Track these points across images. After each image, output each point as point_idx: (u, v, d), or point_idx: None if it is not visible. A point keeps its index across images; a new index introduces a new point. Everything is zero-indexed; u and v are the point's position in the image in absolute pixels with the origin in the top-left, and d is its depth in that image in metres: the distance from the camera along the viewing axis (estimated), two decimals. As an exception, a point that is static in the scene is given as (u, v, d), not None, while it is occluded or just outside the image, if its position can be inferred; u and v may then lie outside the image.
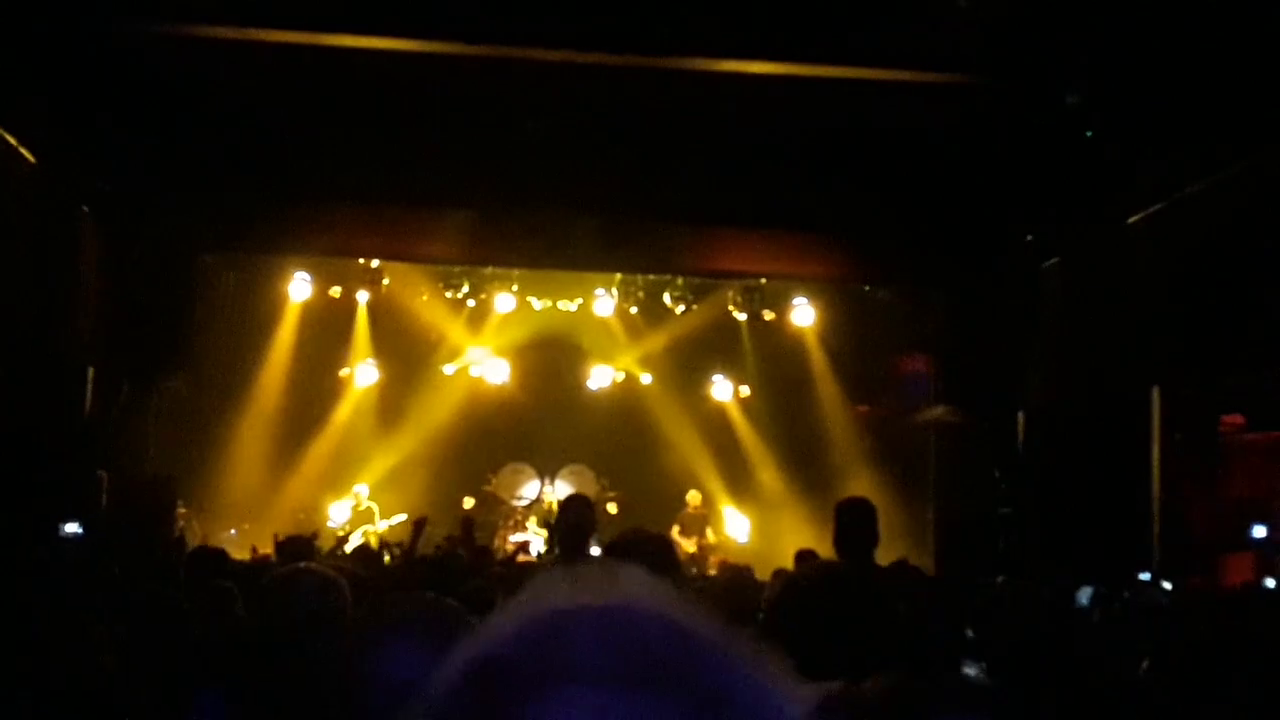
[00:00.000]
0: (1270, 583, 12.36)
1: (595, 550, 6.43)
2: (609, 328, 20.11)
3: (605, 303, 19.20)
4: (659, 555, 3.89)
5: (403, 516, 18.21)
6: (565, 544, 6.19)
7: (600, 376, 20.50)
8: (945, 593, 7.20)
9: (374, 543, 16.56)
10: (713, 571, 15.62)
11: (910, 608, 4.58)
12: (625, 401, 20.42)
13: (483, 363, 20.14)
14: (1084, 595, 8.36)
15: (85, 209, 13.46)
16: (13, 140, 11.78)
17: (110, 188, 13.46)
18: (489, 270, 18.48)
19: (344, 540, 15.51)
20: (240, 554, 11.96)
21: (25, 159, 12.03)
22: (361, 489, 18.27)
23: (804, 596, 3.14)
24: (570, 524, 6.13)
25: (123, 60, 11.76)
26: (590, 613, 1.09)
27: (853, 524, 6.02)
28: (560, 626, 1.08)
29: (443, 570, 6.90)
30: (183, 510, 15.62)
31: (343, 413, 19.65)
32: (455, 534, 13.42)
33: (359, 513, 17.98)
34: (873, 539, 6.05)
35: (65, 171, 12.67)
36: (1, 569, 7.44)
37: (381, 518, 17.94)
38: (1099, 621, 7.57)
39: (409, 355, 19.81)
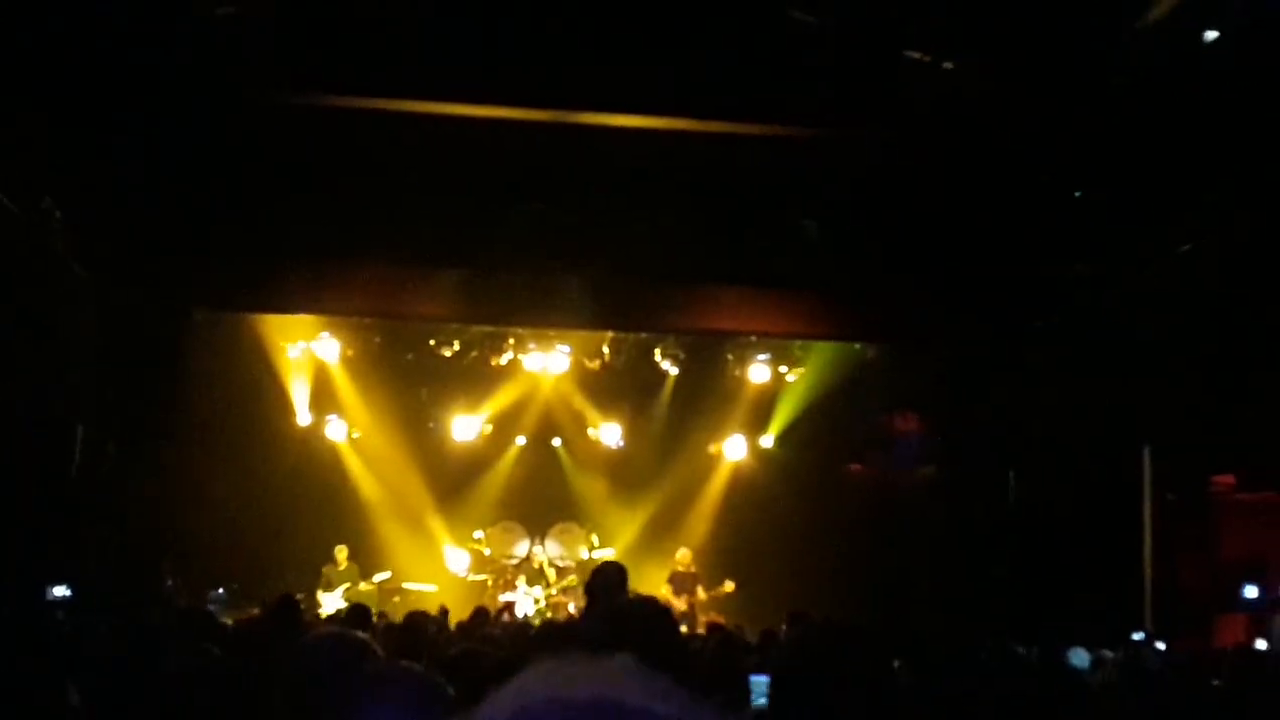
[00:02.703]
0: (1262, 644, 12.33)
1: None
2: (600, 385, 20.08)
3: (596, 360, 19.18)
4: (659, 626, 3.85)
5: (386, 575, 18.13)
6: (595, 607, 6.20)
7: (592, 434, 20.47)
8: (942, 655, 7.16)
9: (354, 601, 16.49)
10: (702, 630, 15.54)
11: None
12: (616, 459, 20.37)
13: (472, 420, 20.09)
14: (1077, 657, 8.32)
15: (78, 266, 13.45)
16: (6, 198, 11.78)
17: (102, 245, 13.45)
18: (481, 328, 18.47)
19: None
20: (228, 616, 11.87)
21: (19, 215, 12.02)
22: (342, 548, 18.16)
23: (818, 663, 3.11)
24: (603, 589, 6.16)
25: (119, 119, 11.80)
26: (580, 706, 1.08)
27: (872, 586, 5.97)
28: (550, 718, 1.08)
29: (416, 635, 6.83)
30: (169, 570, 15.51)
31: (332, 471, 19.57)
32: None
33: (340, 572, 17.87)
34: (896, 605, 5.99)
35: (58, 229, 12.66)
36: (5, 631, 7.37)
37: (361, 578, 17.84)
38: (1097, 683, 7.54)
39: (398, 413, 19.75)
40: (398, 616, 13.09)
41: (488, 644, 7.95)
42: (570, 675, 1.13)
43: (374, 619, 11.06)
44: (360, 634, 3.99)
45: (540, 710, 1.09)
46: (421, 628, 6.82)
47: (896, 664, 4.64)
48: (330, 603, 17.30)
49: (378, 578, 18.02)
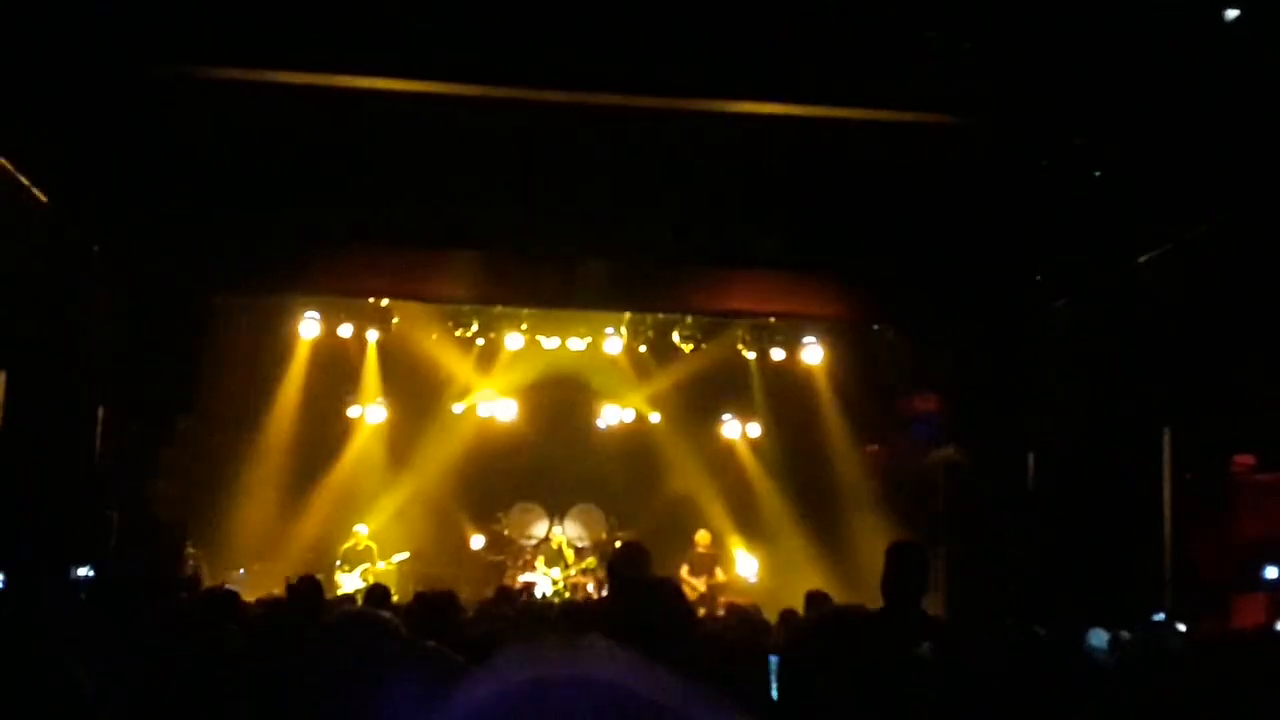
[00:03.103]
0: (1282, 625, 12.31)
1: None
2: (618, 367, 20.12)
3: (614, 342, 19.22)
4: (676, 607, 3.88)
5: (405, 555, 18.21)
6: (617, 587, 6.24)
7: (609, 416, 20.52)
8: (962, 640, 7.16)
9: (371, 581, 16.58)
10: (722, 612, 15.58)
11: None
12: (634, 441, 20.43)
13: (491, 402, 20.15)
14: (1096, 638, 8.32)
15: (97, 248, 13.51)
16: (26, 181, 11.84)
17: (123, 228, 13.52)
18: (498, 309, 18.51)
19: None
20: (250, 594, 11.96)
21: (38, 199, 12.09)
22: (361, 528, 18.25)
23: (826, 647, 3.14)
24: (625, 569, 6.19)
25: (136, 102, 11.83)
26: (554, 683, 1.13)
27: (902, 570, 5.98)
28: (518, 700, 1.13)
29: (443, 614, 6.87)
30: (192, 551, 15.62)
31: (352, 452, 19.66)
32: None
33: (358, 552, 17.96)
34: (921, 586, 6.01)
35: (78, 212, 12.73)
36: (14, 611, 7.43)
37: (380, 557, 17.93)
38: (1115, 666, 7.54)
39: (418, 394, 19.82)
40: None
41: (500, 623, 7.99)
42: (544, 656, 1.18)
43: (394, 598, 11.13)
44: (384, 613, 4.02)
45: (516, 689, 1.14)
46: (444, 608, 6.85)
47: (925, 645, 4.66)
48: (349, 583, 17.41)
49: (396, 558, 18.11)
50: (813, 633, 3.24)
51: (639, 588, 4.24)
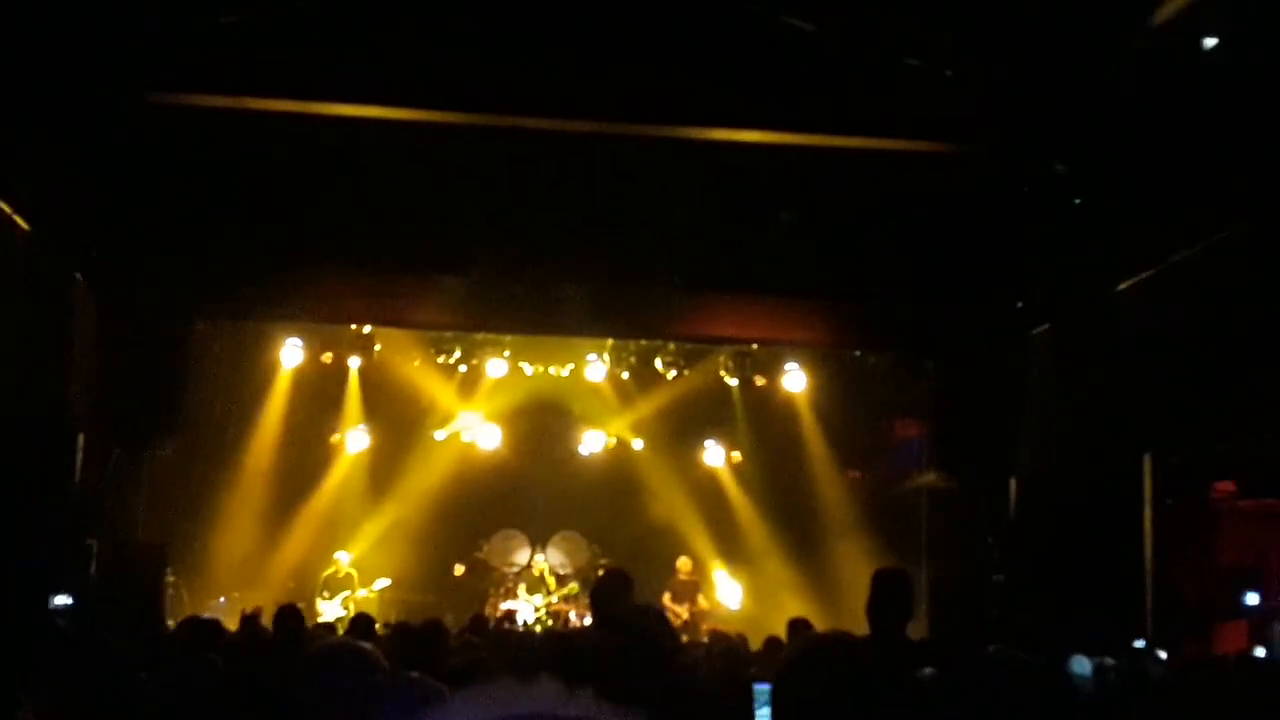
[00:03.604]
0: (1261, 651, 12.33)
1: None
2: (600, 393, 20.11)
3: (597, 368, 19.21)
4: (659, 635, 3.87)
5: (386, 582, 18.13)
6: (601, 615, 6.21)
7: (592, 442, 20.49)
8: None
9: (352, 609, 16.52)
10: (705, 639, 15.54)
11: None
12: (617, 467, 20.39)
13: (474, 428, 20.10)
14: (1080, 665, 8.32)
15: (78, 275, 13.47)
16: (6, 208, 11.81)
17: (103, 255, 13.49)
18: (480, 336, 18.49)
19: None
20: (231, 622, 11.89)
21: (19, 226, 12.05)
22: (342, 555, 18.18)
23: (822, 674, 3.12)
24: (607, 597, 6.16)
25: (117, 129, 11.82)
26: None
27: (888, 595, 5.96)
28: None
29: (429, 643, 6.84)
30: (172, 579, 15.53)
31: (334, 479, 19.58)
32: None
33: (338, 579, 17.88)
34: (906, 612, 5.99)
35: (58, 238, 12.69)
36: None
37: (361, 585, 17.86)
38: (1098, 692, 7.54)
39: (400, 421, 19.77)
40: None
41: (477, 652, 7.95)
42: (501, 697, 1.19)
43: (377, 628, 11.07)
44: (365, 645, 4.00)
45: None
46: (430, 637, 6.84)
47: (927, 671, 4.65)
48: (330, 610, 17.33)
49: (378, 585, 18.04)
50: (807, 659, 3.23)
51: (621, 617, 4.23)
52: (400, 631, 7.63)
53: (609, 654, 3.94)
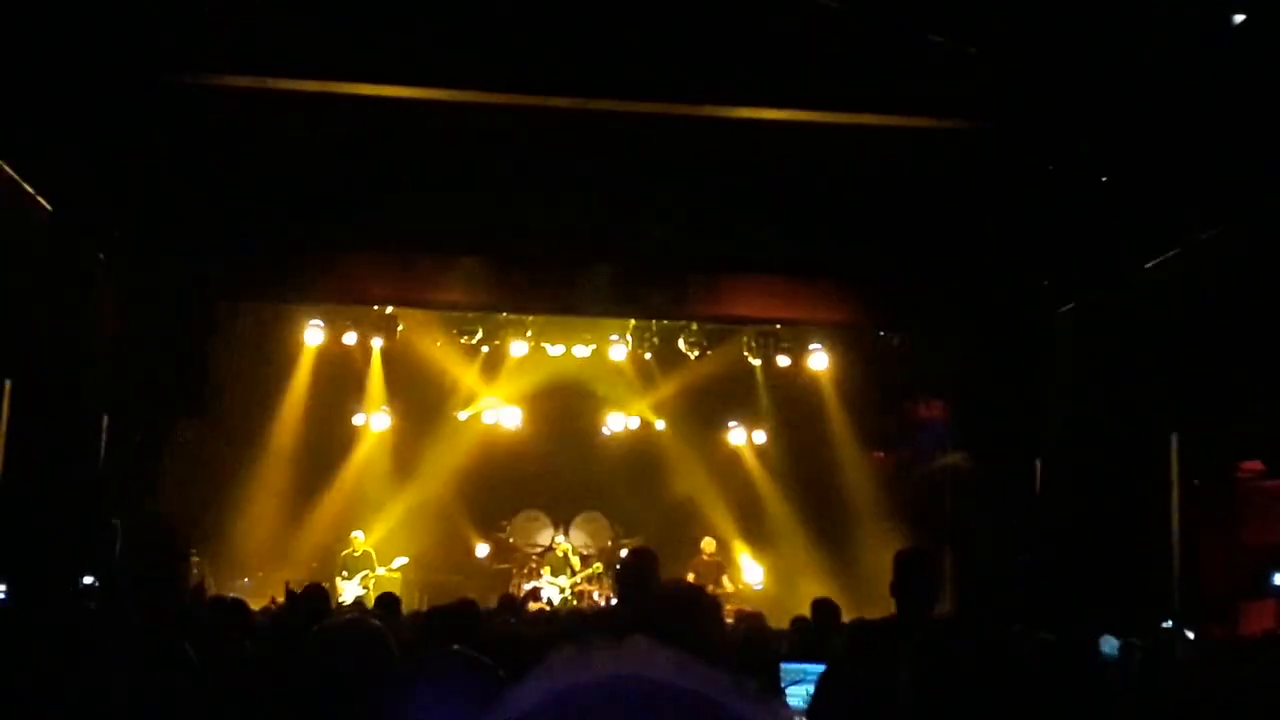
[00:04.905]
0: (1290, 631, 12.27)
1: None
2: (623, 374, 20.11)
3: (619, 349, 19.20)
4: (700, 609, 3.84)
5: (404, 560, 18.17)
6: (628, 593, 6.18)
7: (614, 423, 20.49)
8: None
9: (372, 588, 16.57)
10: (729, 620, 15.54)
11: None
12: (640, 448, 20.39)
13: (497, 409, 20.13)
14: (1108, 645, 8.29)
15: (102, 256, 13.50)
16: (30, 189, 11.83)
17: (126, 235, 13.51)
18: (503, 316, 18.49)
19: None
20: (255, 602, 11.94)
21: (43, 207, 12.08)
22: (358, 534, 18.21)
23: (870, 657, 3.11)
24: (635, 575, 6.13)
25: (141, 110, 11.82)
26: (605, 686, 1.11)
27: (913, 576, 5.91)
28: (576, 700, 1.11)
29: (461, 619, 6.85)
30: (196, 559, 15.59)
31: (357, 459, 19.64)
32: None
33: (356, 558, 17.93)
34: (930, 592, 5.94)
35: (82, 219, 12.72)
36: (21, 621, 7.40)
37: (379, 563, 17.90)
38: (1124, 672, 7.52)
39: (423, 401, 19.81)
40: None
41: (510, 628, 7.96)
42: (592, 659, 1.16)
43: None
44: (374, 621, 4.01)
45: (568, 695, 1.13)
46: (464, 615, 6.85)
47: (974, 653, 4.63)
48: (349, 590, 17.38)
49: (396, 563, 18.07)
50: (855, 644, 3.22)
51: (650, 595, 4.21)
52: (435, 612, 7.65)
53: (647, 630, 3.91)
